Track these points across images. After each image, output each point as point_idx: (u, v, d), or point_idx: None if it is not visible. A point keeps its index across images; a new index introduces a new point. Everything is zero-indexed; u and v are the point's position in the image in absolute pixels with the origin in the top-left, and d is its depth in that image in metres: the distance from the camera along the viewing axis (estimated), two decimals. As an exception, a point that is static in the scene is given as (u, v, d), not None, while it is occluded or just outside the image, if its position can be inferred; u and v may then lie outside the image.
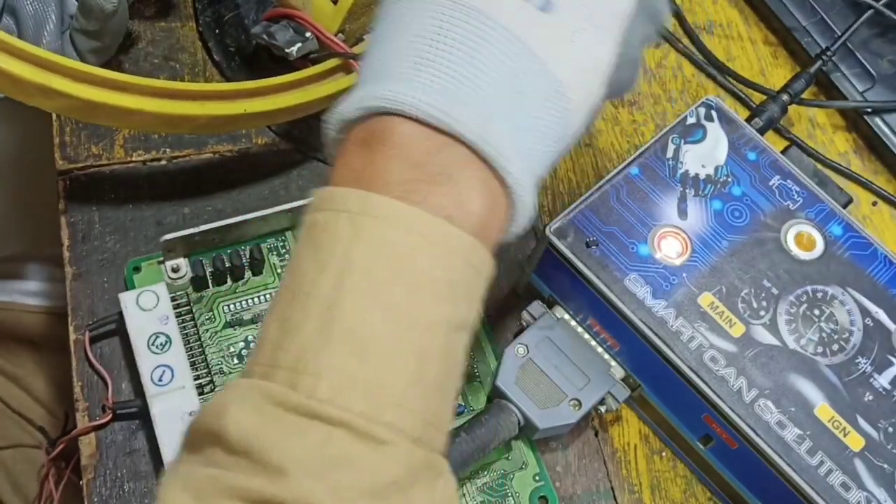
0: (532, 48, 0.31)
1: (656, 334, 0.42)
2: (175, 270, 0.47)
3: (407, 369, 0.29)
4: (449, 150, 0.30)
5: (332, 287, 0.29)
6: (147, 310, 0.44)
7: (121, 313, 0.45)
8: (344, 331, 0.29)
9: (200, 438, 0.29)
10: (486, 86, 0.30)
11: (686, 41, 0.60)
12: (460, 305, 0.31)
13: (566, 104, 0.32)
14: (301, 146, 0.53)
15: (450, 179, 0.30)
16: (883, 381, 0.43)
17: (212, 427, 0.29)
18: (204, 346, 0.46)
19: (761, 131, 0.52)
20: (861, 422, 0.41)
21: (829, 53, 0.55)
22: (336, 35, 0.47)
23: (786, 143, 0.55)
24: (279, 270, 0.48)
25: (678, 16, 0.61)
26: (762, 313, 0.43)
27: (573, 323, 0.46)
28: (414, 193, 0.30)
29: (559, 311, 0.46)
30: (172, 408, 0.43)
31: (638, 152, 0.47)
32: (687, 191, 0.46)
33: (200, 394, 0.44)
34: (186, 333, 0.45)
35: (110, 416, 0.44)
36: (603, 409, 0.45)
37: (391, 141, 0.30)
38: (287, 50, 0.46)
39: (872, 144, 0.58)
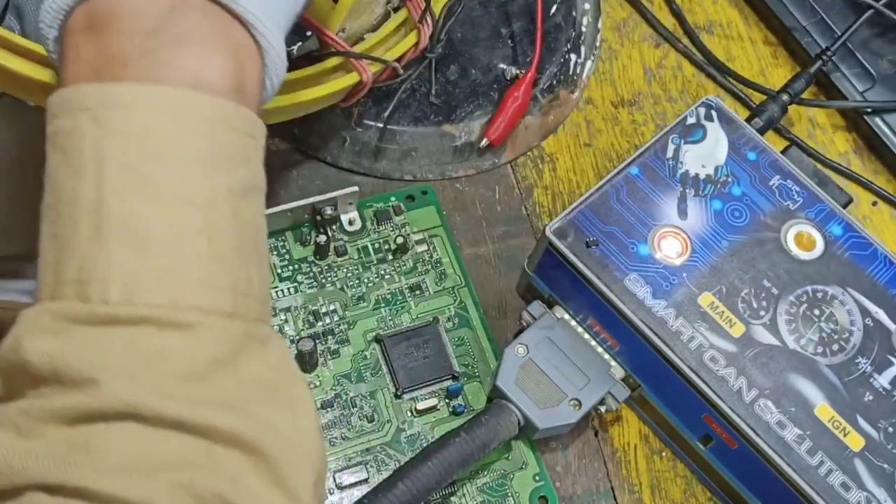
0: None
1: (656, 334, 0.42)
2: (175, 270, 0.46)
3: (197, 248, 0.29)
4: (182, 9, 0.29)
5: (93, 189, 0.28)
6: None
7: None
8: (118, 229, 0.28)
9: (4, 381, 0.28)
10: None
11: (686, 41, 0.60)
12: (237, 170, 0.30)
13: None
14: (301, 146, 0.53)
15: (190, 40, 0.29)
16: (883, 381, 0.43)
17: (12, 363, 0.28)
18: (204, 345, 0.46)
19: (761, 131, 0.52)
20: (861, 422, 0.41)
21: (829, 53, 0.55)
22: (337, 34, 0.47)
23: (786, 143, 0.55)
24: (279, 270, 0.48)
25: (678, 16, 0.61)
26: (762, 313, 0.43)
27: (573, 323, 0.46)
28: (157, 65, 0.29)
29: (559, 311, 0.46)
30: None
31: (638, 152, 0.47)
32: (687, 191, 0.46)
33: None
34: (186, 333, 0.45)
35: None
36: (603, 409, 0.45)
37: (118, 15, 0.29)
38: (287, 49, 0.46)
39: (872, 144, 0.58)
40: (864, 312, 0.44)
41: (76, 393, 0.27)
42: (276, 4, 0.31)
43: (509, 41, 0.55)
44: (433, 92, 0.53)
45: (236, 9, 0.30)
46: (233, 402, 0.28)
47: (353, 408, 0.46)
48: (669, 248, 0.44)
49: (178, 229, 0.28)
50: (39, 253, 0.29)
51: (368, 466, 0.45)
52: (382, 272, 0.49)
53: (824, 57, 0.55)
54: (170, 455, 0.27)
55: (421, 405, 0.46)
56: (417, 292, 0.49)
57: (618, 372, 0.45)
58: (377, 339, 0.47)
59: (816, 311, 0.44)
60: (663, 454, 0.48)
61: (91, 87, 0.29)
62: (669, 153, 0.47)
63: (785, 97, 0.54)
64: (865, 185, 0.56)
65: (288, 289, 0.48)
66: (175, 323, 0.28)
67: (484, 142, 0.52)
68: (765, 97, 0.55)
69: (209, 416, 0.27)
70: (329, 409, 0.46)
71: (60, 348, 0.27)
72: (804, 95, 0.55)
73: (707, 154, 0.47)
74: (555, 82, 0.56)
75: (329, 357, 0.47)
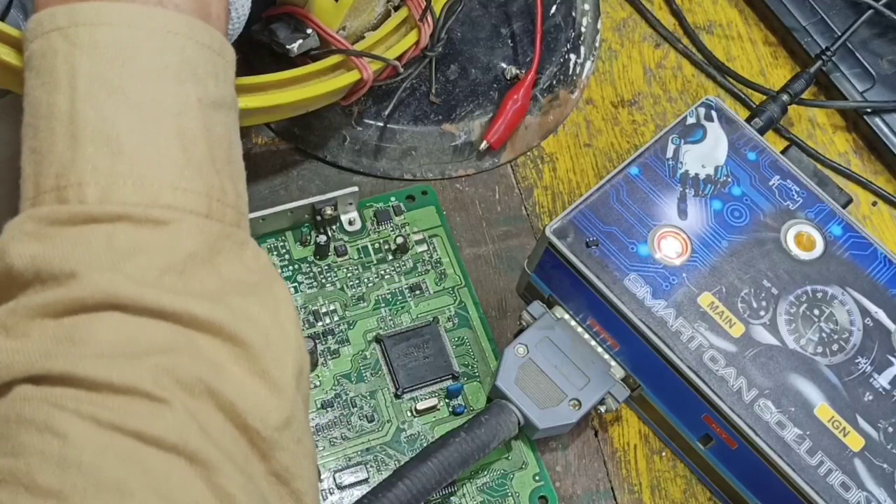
0: None
1: (656, 334, 0.42)
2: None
3: (170, 153, 0.30)
4: None
5: (67, 101, 0.29)
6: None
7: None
8: (93, 135, 0.29)
9: None
10: None
11: (686, 41, 0.60)
12: (208, 84, 0.32)
13: None
14: (301, 145, 0.53)
15: None
16: (883, 380, 0.43)
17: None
18: (203, 345, 0.46)
19: (761, 131, 0.52)
20: (861, 422, 0.41)
21: (828, 53, 0.55)
22: (337, 32, 0.47)
23: (786, 143, 0.55)
24: (279, 270, 0.48)
25: (678, 16, 0.61)
26: (762, 313, 0.43)
27: (573, 323, 0.46)
28: None
29: (559, 311, 0.46)
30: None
31: (638, 152, 0.47)
32: (687, 191, 0.46)
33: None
34: (186, 333, 0.45)
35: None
36: (603, 409, 0.45)
37: None
38: (288, 47, 0.46)
39: (872, 144, 0.58)
40: (864, 312, 0.44)
41: (58, 287, 0.28)
42: None
43: (509, 41, 0.55)
44: (433, 91, 0.53)
45: None
46: (212, 295, 0.29)
47: (353, 408, 0.46)
48: (669, 248, 0.44)
49: (151, 134, 0.30)
50: (21, 170, 0.31)
51: (368, 466, 0.45)
52: (382, 272, 0.49)
53: (824, 57, 0.55)
54: (152, 342, 0.28)
55: (421, 405, 0.46)
56: (417, 292, 0.49)
57: (618, 372, 0.45)
58: (377, 339, 0.47)
59: (816, 311, 0.44)
60: (663, 454, 0.48)
61: (61, 8, 0.30)
62: (669, 153, 0.47)
63: (785, 97, 0.54)
64: (865, 186, 0.56)
65: (288, 289, 0.48)
66: (151, 219, 0.29)
67: (483, 144, 0.52)
68: (765, 97, 0.55)
69: (189, 305, 0.28)
70: (329, 409, 0.46)
71: (41, 249, 0.28)
72: (804, 95, 0.55)
73: (707, 154, 0.47)
74: (554, 82, 0.56)
75: (329, 357, 0.47)
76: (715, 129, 0.48)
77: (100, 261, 0.28)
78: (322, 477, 0.44)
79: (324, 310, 0.48)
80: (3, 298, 0.29)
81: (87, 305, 0.27)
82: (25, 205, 0.30)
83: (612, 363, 0.45)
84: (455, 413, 0.46)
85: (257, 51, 0.50)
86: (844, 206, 0.48)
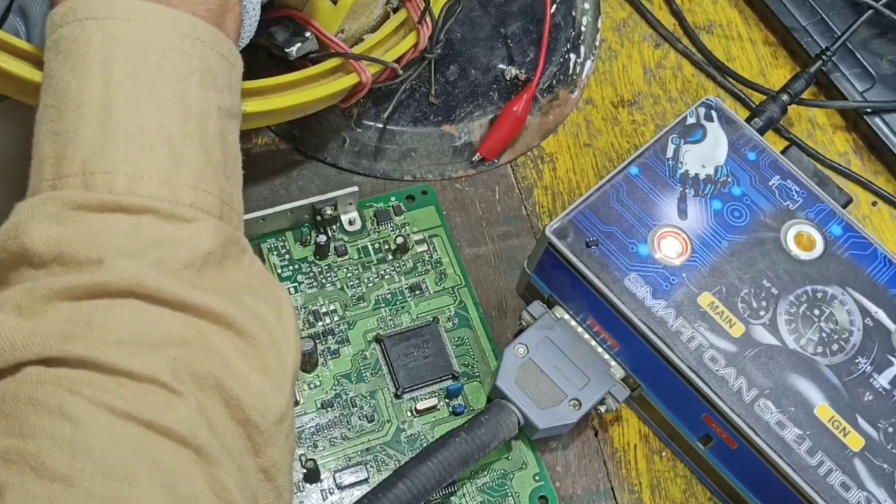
0: None
1: (656, 334, 0.42)
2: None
3: (194, 154, 0.31)
4: None
5: (101, 89, 0.30)
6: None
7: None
8: (125, 126, 0.30)
9: (1, 268, 0.29)
10: None
11: (686, 41, 0.60)
12: (224, 93, 0.33)
13: None
14: (301, 146, 0.53)
15: None
16: (883, 380, 0.43)
17: (11, 249, 0.29)
18: (204, 346, 0.46)
19: (761, 131, 0.52)
20: (861, 422, 0.41)
21: (828, 53, 0.55)
22: (336, 35, 0.47)
23: (786, 143, 0.55)
24: (279, 270, 0.48)
25: (678, 16, 0.61)
26: (762, 313, 0.43)
27: (573, 323, 0.46)
28: None
29: (559, 311, 0.46)
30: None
31: (638, 152, 0.47)
32: (687, 191, 0.46)
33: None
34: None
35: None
36: (603, 409, 0.45)
37: None
38: (286, 50, 0.46)
39: (872, 144, 0.58)
40: (864, 312, 0.44)
41: (81, 271, 0.28)
42: None
43: (509, 42, 0.55)
44: (433, 92, 0.53)
45: None
46: (225, 292, 0.30)
47: (353, 408, 0.46)
48: (669, 248, 0.44)
49: (179, 135, 0.31)
50: (35, 147, 0.31)
51: (368, 466, 0.45)
52: (382, 272, 0.49)
53: (824, 57, 0.55)
54: (170, 333, 0.28)
55: (421, 405, 0.46)
56: (417, 292, 0.49)
57: (618, 372, 0.45)
58: (377, 339, 0.47)
59: (816, 311, 0.44)
60: (663, 454, 0.48)
61: (99, 0, 0.31)
62: (669, 153, 0.47)
63: (785, 97, 0.54)
64: (865, 185, 0.56)
65: (288, 289, 0.48)
66: (176, 215, 0.29)
67: (477, 156, 0.53)
68: (765, 97, 0.55)
69: (207, 299, 0.29)
70: (329, 409, 0.46)
71: (66, 233, 0.28)
72: (804, 95, 0.55)
73: (707, 154, 0.47)
74: (554, 82, 0.56)
75: (329, 357, 0.47)
76: (715, 129, 0.48)
77: (126, 249, 0.28)
78: (322, 477, 0.44)
79: (324, 310, 0.48)
80: (9, 276, 0.29)
81: (111, 291, 0.28)
82: (43, 185, 0.30)
83: (612, 363, 0.45)
84: (455, 413, 0.46)
85: (256, 54, 0.50)
86: (844, 206, 0.48)
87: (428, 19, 0.49)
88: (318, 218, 0.49)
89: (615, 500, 0.46)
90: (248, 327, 0.30)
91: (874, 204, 0.56)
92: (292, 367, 0.31)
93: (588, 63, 0.58)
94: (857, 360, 0.43)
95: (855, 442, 0.41)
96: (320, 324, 0.48)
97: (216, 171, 0.32)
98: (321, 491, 0.44)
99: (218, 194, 0.31)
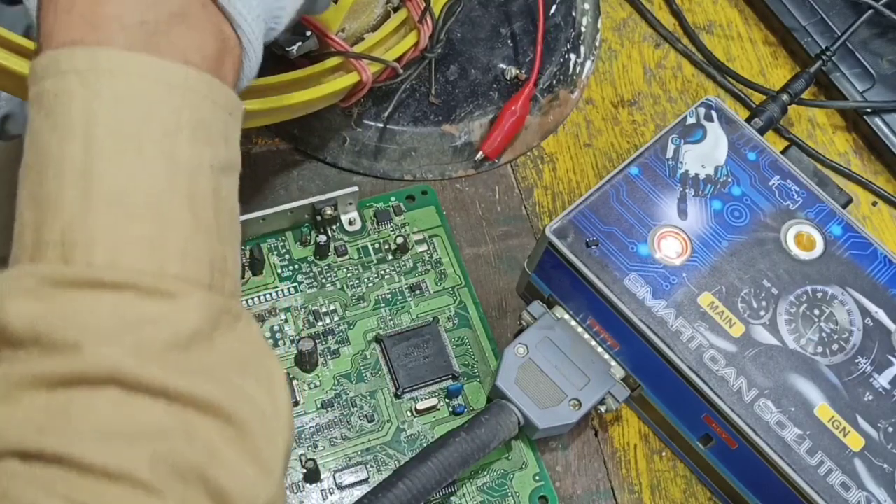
0: None
1: (656, 334, 0.42)
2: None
3: (182, 218, 0.29)
4: None
5: (81, 150, 0.28)
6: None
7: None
8: (107, 191, 0.28)
9: None
10: None
11: (686, 41, 0.60)
12: (219, 146, 0.31)
13: None
14: (301, 146, 0.53)
15: (186, 21, 0.30)
16: (883, 380, 0.43)
17: None
18: (204, 345, 0.46)
19: (761, 131, 0.52)
20: (861, 422, 0.41)
21: (828, 53, 0.55)
22: (336, 34, 0.47)
23: (786, 143, 0.55)
24: (279, 270, 0.48)
25: (678, 16, 0.61)
26: (762, 313, 0.43)
27: (573, 323, 0.46)
28: (154, 35, 0.29)
29: (559, 311, 0.46)
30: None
31: (638, 152, 0.47)
32: (687, 191, 0.46)
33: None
34: (186, 333, 0.45)
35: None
36: (603, 409, 0.45)
37: None
38: (287, 49, 0.46)
39: (872, 144, 0.58)
40: (864, 312, 0.44)
41: (58, 357, 0.26)
42: (265, 10, 0.33)
43: (509, 41, 0.55)
44: (433, 92, 0.53)
45: (229, 9, 0.31)
46: (212, 372, 0.28)
47: (353, 408, 0.46)
48: (669, 248, 0.44)
49: (165, 197, 0.29)
50: (17, 212, 0.29)
51: (368, 466, 0.45)
52: (382, 272, 0.49)
53: (824, 57, 0.55)
54: (151, 423, 0.27)
55: (421, 405, 0.46)
56: (417, 292, 0.49)
57: (618, 372, 0.45)
58: (377, 339, 0.47)
59: (816, 311, 0.44)
60: (663, 454, 0.48)
61: (81, 51, 0.28)
62: (669, 153, 0.47)
63: (785, 97, 0.54)
64: (865, 185, 0.56)
65: (288, 289, 0.48)
66: (159, 291, 0.28)
67: (479, 154, 0.53)
68: (765, 97, 0.55)
69: (191, 384, 0.27)
70: (329, 409, 0.46)
71: (43, 311, 0.27)
72: (804, 95, 0.55)
73: (707, 154, 0.47)
74: (554, 82, 0.56)
75: (329, 357, 0.47)
76: (715, 129, 0.48)
77: (105, 333, 0.27)
78: (322, 477, 0.44)
79: (324, 310, 0.48)
80: None
81: (89, 379, 0.26)
82: (23, 255, 0.28)
83: (612, 363, 0.45)
84: (455, 413, 0.46)
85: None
86: (844, 206, 0.48)
87: (428, 19, 0.49)
88: (318, 218, 0.49)
89: (615, 500, 0.46)
90: (235, 412, 0.28)
91: (874, 204, 0.56)
92: (284, 446, 0.30)
93: (588, 63, 0.58)
94: (857, 360, 0.43)
95: (855, 442, 0.41)
96: (320, 324, 0.48)
97: (207, 235, 0.29)
98: (321, 491, 0.44)
99: (208, 261, 0.29)
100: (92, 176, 0.28)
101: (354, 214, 0.50)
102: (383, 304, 0.49)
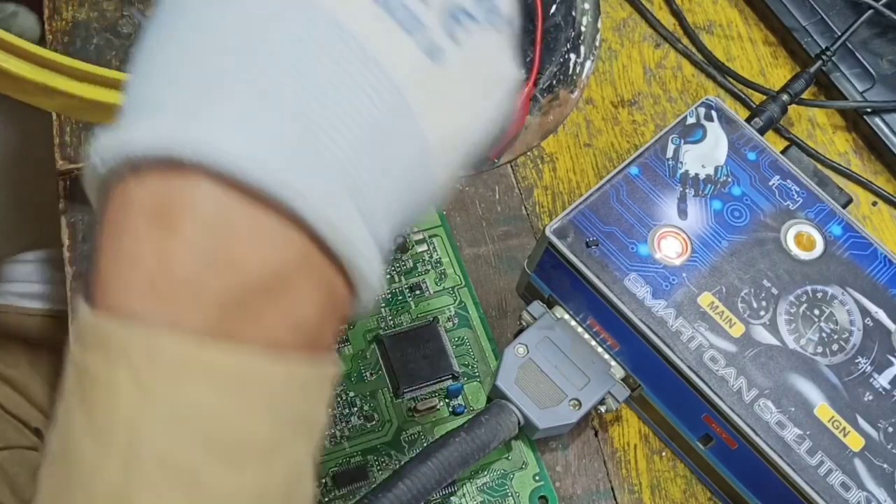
0: (410, 104, 0.23)
1: (656, 334, 0.42)
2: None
3: None
4: (286, 241, 0.22)
5: (121, 476, 0.22)
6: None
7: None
8: None
9: None
10: (343, 143, 0.22)
11: (686, 41, 0.60)
12: (298, 442, 0.24)
13: (430, 179, 0.25)
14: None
15: (286, 286, 0.22)
16: (883, 380, 0.43)
17: None
18: (204, 345, 0.46)
19: (761, 131, 0.52)
20: (861, 422, 0.41)
21: (828, 53, 0.55)
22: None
23: (786, 143, 0.55)
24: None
25: (678, 16, 0.61)
26: (762, 313, 0.43)
27: (573, 323, 0.46)
28: (240, 316, 0.22)
29: (559, 311, 0.46)
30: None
31: (638, 152, 0.47)
32: (687, 191, 0.46)
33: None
34: (186, 333, 0.45)
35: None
36: (603, 409, 0.45)
37: (207, 222, 0.21)
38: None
39: (872, 144, 0.58)
40: (864, 312, 0.44)
41: None
42: (388, 240, 0.24)
43: (509, 41, 0.55)
44: (433, 92, 0.53)
45: (347, 254, 0.23)
46: None
47: (352, 407, 0.46)
48: (669, 248, 0.44)
49: None
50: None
51: (368, 466, 0.45)
52: (382, 272, 0.49)
53: (824, 57, 0.55)
54: None
55: (421, 405, 0.46)
56: (417, 292, 0.49)
57: (618, 372, 0.45)
58: (377, 339, 0.47)
59: (816, 311, 0.44)
60: (663, 454, 0.48)
61: (140, 336, 0.21)
62: (669, 153, 0.47)
63: (785, 97, 0.54)
64: (865, 185, 0.56)
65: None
66: None
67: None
68: (765, 97, 0.55)
69: None
70: (329, 409, 0.46)
71: None
72: (804, 95, 0.55)
73: (707, 154, 0.47)
74: (554, 82, 0.56)
75: (329, 357, 0.47)
76: (715, 129, 0.48)
77: None
78: (322, 477, 0.44)
79: (324, 310, 0.48)
80: None
81: None
82: None
83: (612, 363, 0.45)
84: (455, 413, 0.46)
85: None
86: (844, 206, 0.48)
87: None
88: (318, 218, 0.49)
89: (615, 499, 0.46)
90: None
91: (874, 204, 0.56)
92: None
93: (588, 63, 0.58)
94: (857, 360, 0.43)
95: (855, 442, 0.41)
96: (320, 324, 0.47)
97: None
98: (321, 491, 0.44)
99: None
100: None
101: (354, 214, 0.50)
102: (383, 304, 0.49)
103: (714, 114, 0.48)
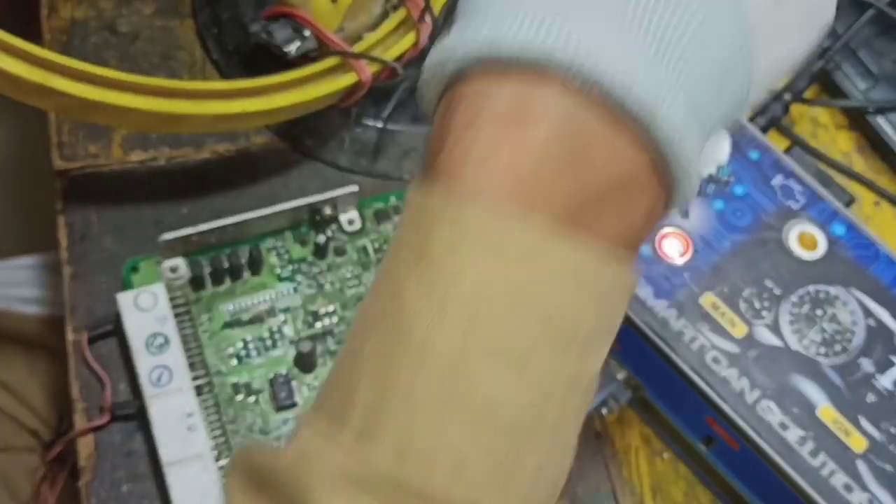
0: (753, 44, 0.25)
1: (658, 335, 0.42)
2: (173, 270, 0.46)
3: (543, 444, 0.24)
4: (637, 154, 0.23)
5: (457, 344, 0.22)
6: (145, 310, 0.44)
7: (119, 314, 0.44)
8: (473, 405, 0.22)
9: (267, 486, 0.24)
10: (693, 76, 0.23)
11: (687, 40, 0.60)
12: (604, 342, 0.25)
13: (745, 108, 0.27)
14: (299, 146, 0.53)
15: (626, 194, 0.24)
16: (885, 381, 0.42)
17: (290, 497, 0.23)
18: (202, 346, 0.45)
19: (763, 130, 0.52)
20: (864, 423, 0.41)
21: (831, 52, 0.55)
22: (335, 33, 0.47)
23: (788, 143, 0.55)
24: (278, 271, 0.48)
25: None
26: (764, 314, 0.43)
27: (574, 323, 0.46)
28: (581, 215, 0.23)
29: (560, 312, 0.46)
30: (170, 409, 0.42)
31: (639, 152, 0.46)
32: (688, 190, 0.46)
33: (199, 394, 0.44)
34: (185, 334, 0.45)
35: (108, 417, 0.44)
36: (604, 410, 0.45)
37: (565, 125, 0.22)
38: (286, 48, 0.46)
39: (875, 144, 0.57)
40: (867, 313, 0.44)
41: None
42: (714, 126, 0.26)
43: (510, 40, 0.55)
44: (433, 91, 0.53)
45: (679, 182, 0.25)
46: None
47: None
48: (671, 248, 0.44)
49: (535, 422, 0.23)
50: (346, 349, 0.24)
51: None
52: (382, 272, 0.49)
53: (826, 56, 0.55)
54: None
55: (421, 406, 0.46)
56: (417, 293, 0.49)
57: (619, 373, 0.45)
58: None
59: (819, 312, 0.43)
60: (665, 456, 0.48)
61: (495, 218, 0.22)
62: (671, 153, 0.46)
63: (787, 96, 0.54)
64: (868, 185, 0.56)
65: (287, 289, 0.48)
66: None
67: None
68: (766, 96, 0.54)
69: None
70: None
71: None
72: (806, 95, 0.55)
73: (709, 153, 0.47)
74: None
75: (328, 358, 0.47)
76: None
77: None
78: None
79: (323, 310, 0.48)
80: (259, 491, 0.23)
81: None
82: (342, 436, 0.23)
83: (613, 363, 0.45)
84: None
85: (256, 51, 0.50)
86: (847, 206, 0.48)
87: (428, 17, 0.49)
88: (318, 218, 0.49)
89: (617, 501, 0.46)
90: None
91: (877, 203, 0.56)
92: None
93: None
94: (859, 361, 0.43)
95: (858, 443, 0.41)
96: (319, 324, 0.47)
97: (561, 462, 0.25)
98: (320, 493, 0.44)
99: (553, 483, 0.25)
100: (458, 379, 0.22)
101: (354, 214, 0.50)
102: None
103: (716, 113, 0.48)
